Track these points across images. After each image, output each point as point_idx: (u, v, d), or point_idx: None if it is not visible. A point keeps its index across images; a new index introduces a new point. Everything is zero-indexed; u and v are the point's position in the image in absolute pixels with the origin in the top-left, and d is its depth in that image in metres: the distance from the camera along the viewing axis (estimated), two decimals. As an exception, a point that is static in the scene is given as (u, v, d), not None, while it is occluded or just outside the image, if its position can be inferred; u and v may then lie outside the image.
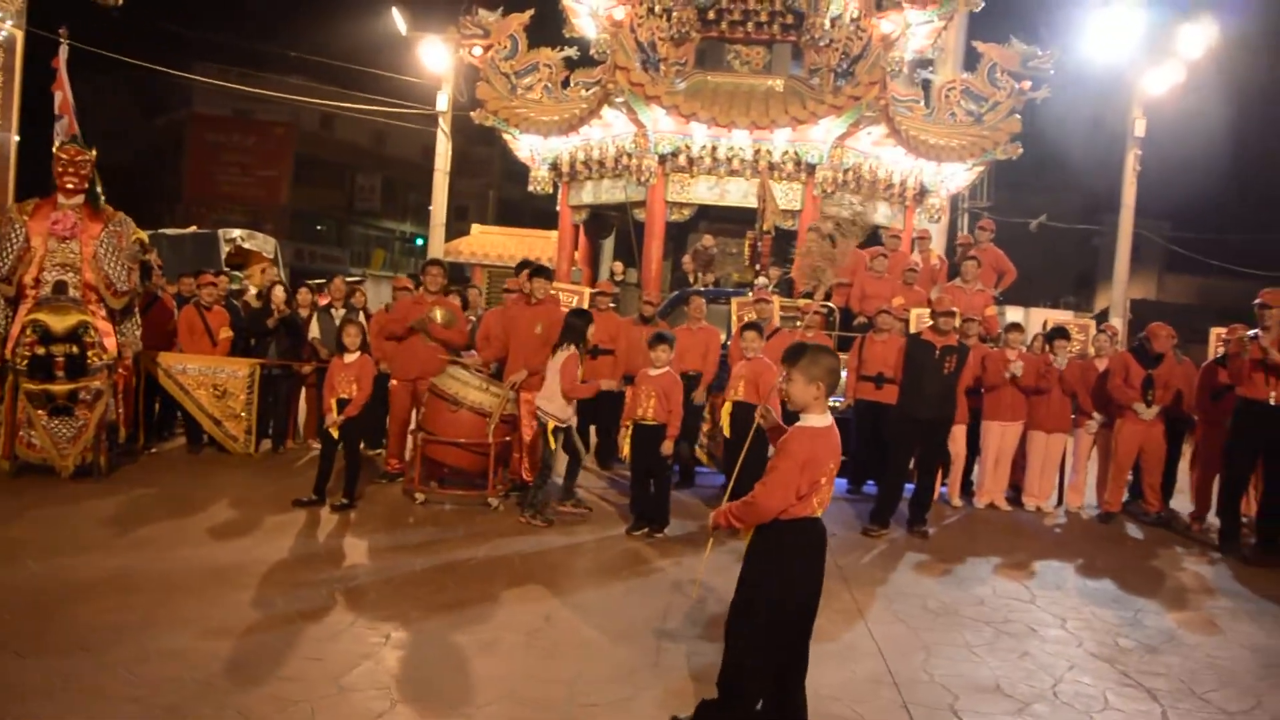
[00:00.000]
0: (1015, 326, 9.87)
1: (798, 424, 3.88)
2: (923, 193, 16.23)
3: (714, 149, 14.65)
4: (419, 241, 44.97)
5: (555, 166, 16.53)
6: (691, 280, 14.01)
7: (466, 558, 6.54)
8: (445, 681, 4.47)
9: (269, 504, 7.59)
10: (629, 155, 14.93)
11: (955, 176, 16.46)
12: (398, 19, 19.51)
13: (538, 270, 8.66)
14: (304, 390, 10.18)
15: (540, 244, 20.42)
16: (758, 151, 14.57)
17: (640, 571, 6.59)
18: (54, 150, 8.32)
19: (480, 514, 7.81)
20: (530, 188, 16.87)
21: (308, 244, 36.62)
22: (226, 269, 15.38)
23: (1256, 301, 8.33)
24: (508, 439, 8.12)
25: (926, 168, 15.79)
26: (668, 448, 7.47)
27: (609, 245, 20.03)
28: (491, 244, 20.52)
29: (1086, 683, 5.08)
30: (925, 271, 12.13)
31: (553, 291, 9.06)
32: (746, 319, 9.96)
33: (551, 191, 17.20)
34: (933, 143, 15.21)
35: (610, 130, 15.14)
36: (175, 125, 38.51)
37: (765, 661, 3.89)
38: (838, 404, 9.94)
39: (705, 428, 9.69)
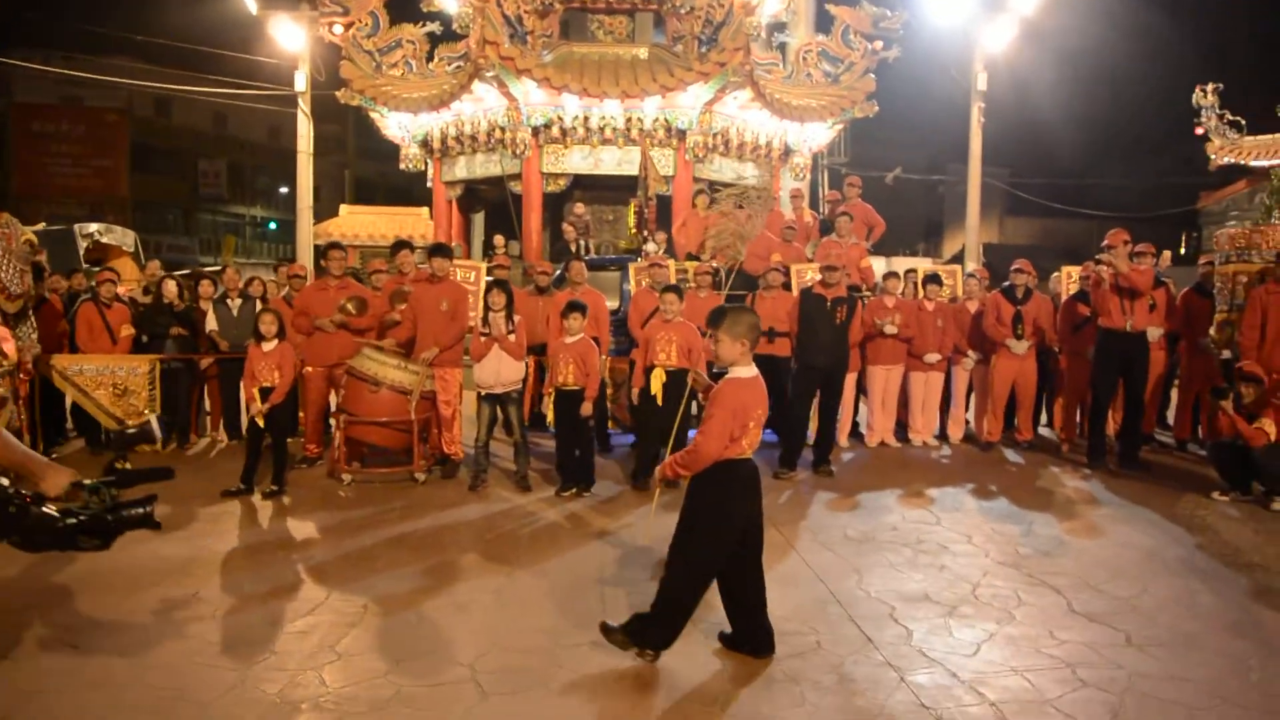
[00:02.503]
0: (893, 275, 10.54)
1: (727, 376, 4.43)
2: (788, 152, 16.90)
3: (586, 119, 14.94)
4: (271, 225, 43.73)
5: (426, 143, 16.51)
6: (573, 249, 14.26)
7: (412, 530, 6.76)
8: (436, 640, 4.74)
9: (196, 498, 7.59)
10: (502, 129, 15.07)
11: (817, 136, 17.18)
12: (248, -1, 18.99)
13: (437, 249, 8.82)
14: (204, 384, 10.06)
15: (411, 221, 20.31)
16: (629, 120, 14.92)
17: (580, 527, 6.94)
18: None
19: (409, 489, 8.00)
20: (401, 165, 16.81)
21: (154, 234, 35.15)
22: (87, 264, 14.86)
23: (1104, 244, 9.19)
24: (427, 415, 8.30)
25: (790, 128, 16.45)
26: (587, 409, 7.82)
27: (480, 219, 20.08)
28: (361, 224, 20.29)
29: (999, 585, 5.71)
30: (800, 228, 12.75)
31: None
32: (643, 284, 10.37)
33: (423, 169, 17.19)
34: (795, 104, 15.83)
35: (482, 104, 15.24)
36: (-5, 116, 36.27)
37: (698, 583, 4.47)
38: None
39: (609, 391, 10.04)
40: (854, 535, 6.78)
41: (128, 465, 3.72)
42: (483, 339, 7.88)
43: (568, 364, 7.76)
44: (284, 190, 42.88)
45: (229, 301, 9.84)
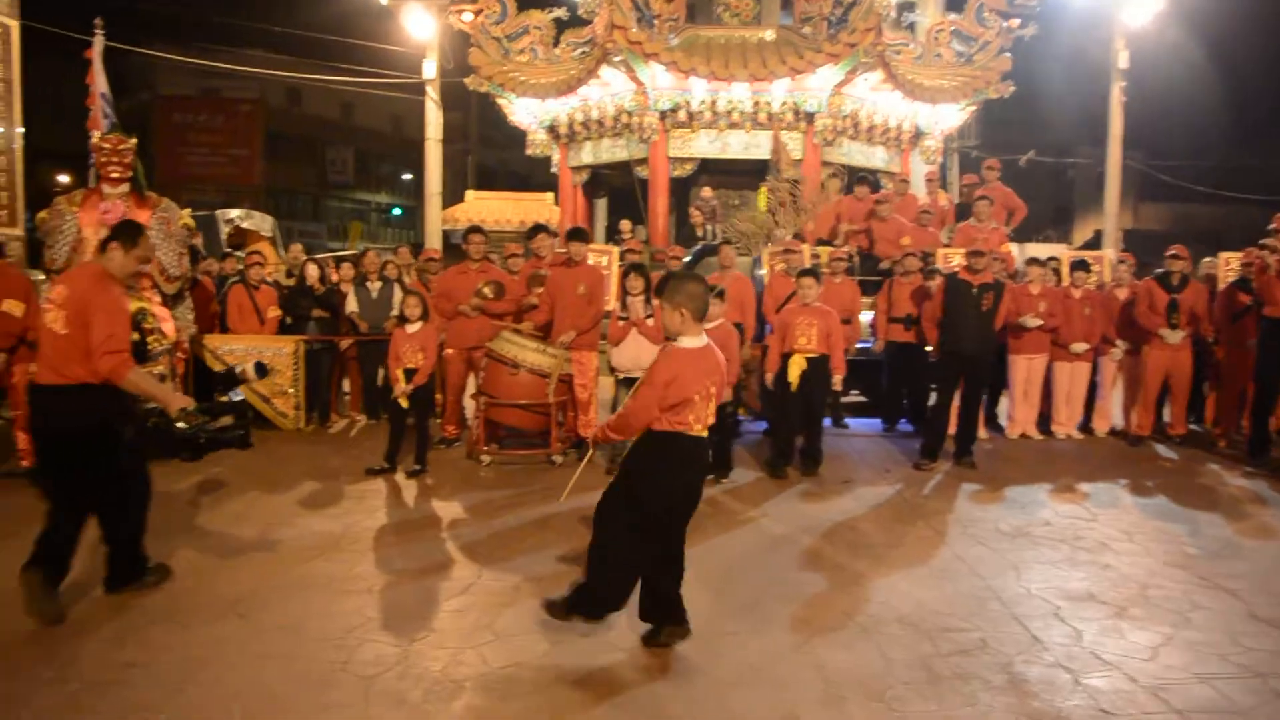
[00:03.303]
0: (1035, 261, 10.16)
1: (670, 344, 4.27)
2: (918, 135, 16.47)
3: (713, 103, 14.79)
4: (396, 211, 44.81)
5: (553, 129, 16.58)
6: (700, 233, 14.18)
7: (554, 512, 6.77)
8: (606, 620, 4.69)
9: (343, 475, 7.78)
10: (629, 113, 15.03)
11: (948, 118, 16.69)
12: (378, -13, 19.39)
13: (575, 232, 8.84)
14: (344, 364, 10.30)
15: (535, 207, 20.47)
16: (757, 103, 14.72)
17: (721, 514, 6.86)
18: (95, 141, 8.35)
19: (546, 471, 8.04)
20: (528, 151, 16.93)
21: (285, 220, 36.24)
22: (228, 249, 15.39)
23: (1271, 226, 8.66)
24: (564, 398, 8.32)
25: (921, 110, 16.01)
26: (726, 394, 7.71)
27: (603, 205, 20.15)
28: (487, 209, 20.55)
29: (1170, 586, 5.42)
30: (936, 212, 12.39)
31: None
32: (776, 268, 10.22)
33: (548, 155, 17.29)
34: (927, 85, 15.41)
35: (608, 89, 15.21)
36: (141, 108, 37.84)
37: (627, 553, 4.32)
38: (869, 347, 10.24)
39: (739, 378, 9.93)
40: (1006, 530, 6.53)
41: (227, 399, 5.05)
42: (620, 323, 7.85)
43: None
44: (407, 177, 43.88)
45: (368, 284, 10.04)
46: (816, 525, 6.59)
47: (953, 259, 10.64)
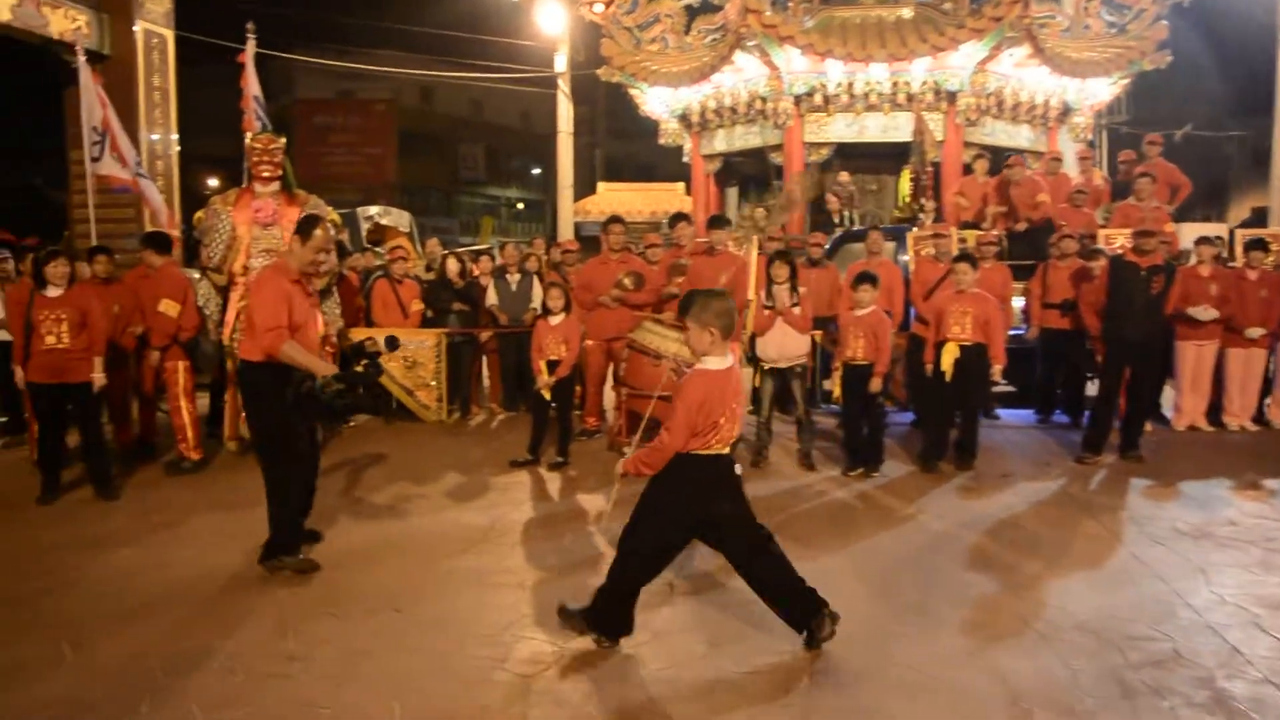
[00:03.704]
0: (1205, 240, 9.50)
1: (696, 367, 4.08)
2: (1066, 111, 15.75)
3: (850, 85, 14.45)
4: (520, 205, 45.48)
5: (685, 117, 16.45)
6: (836, 219, 13.83)
7: (701, 507, 6.62)
8: (750, 622, 4.53)
9: (486, 467, 7.79)
10: (763, 99, 14.80)
11: (1098, 92, 15.90)
12: (511, -16, 19.60)
13: (715, 220, 8.66)
14: (484, 357, 10.36)
15: (666, 197, 20.39)
16: (895, 84, 14.33)
17: (875, 509, 6.59)
18: (247, 141, 8.57)
19: (689, 464, 7.89)
20: (660, 141, 16.86)
21: (418, 216, 37.10)
22: (367, 245, 15.74)
23: None
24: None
25: (1070, 85, 15.31)
26: (876, 385, 7.42)
27: (733, 193, 19.89)
28: (618, 201, 20.57)
29: (1387, 595, 4.94)
30: (1090, 191, 11.75)
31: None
32: (924, 253, 9.83)
33: (680, 144, 17.17)
34: (1076, 58, 14.71)
35: (742, 75, 15.00)
36: (281, 111, 39.27)
37: (641, 571, 4.25)
38: (1021, 334, 9.75)
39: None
40: (1185, 529, 6.08)
41: (359, 369, 5.37)
42: (766, 312, 7.64)
43: (857, 338, 7.39)
44: (536, 171, 44.41)
45: (508, 277, 10.07)
46: (978, 522, 6.26)
47: (1114, 240, 10.05)
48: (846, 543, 5.85)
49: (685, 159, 17.45)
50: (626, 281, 8.59)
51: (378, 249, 14.09)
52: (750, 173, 18.14)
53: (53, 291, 6.85)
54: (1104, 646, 4.28)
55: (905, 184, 12.44)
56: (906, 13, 15.03)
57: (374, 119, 38.06)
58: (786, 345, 7.62)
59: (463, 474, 7.58)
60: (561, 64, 19.79)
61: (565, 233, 19.68)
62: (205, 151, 25.78)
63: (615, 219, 8.96)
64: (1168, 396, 9.82)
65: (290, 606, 4.80)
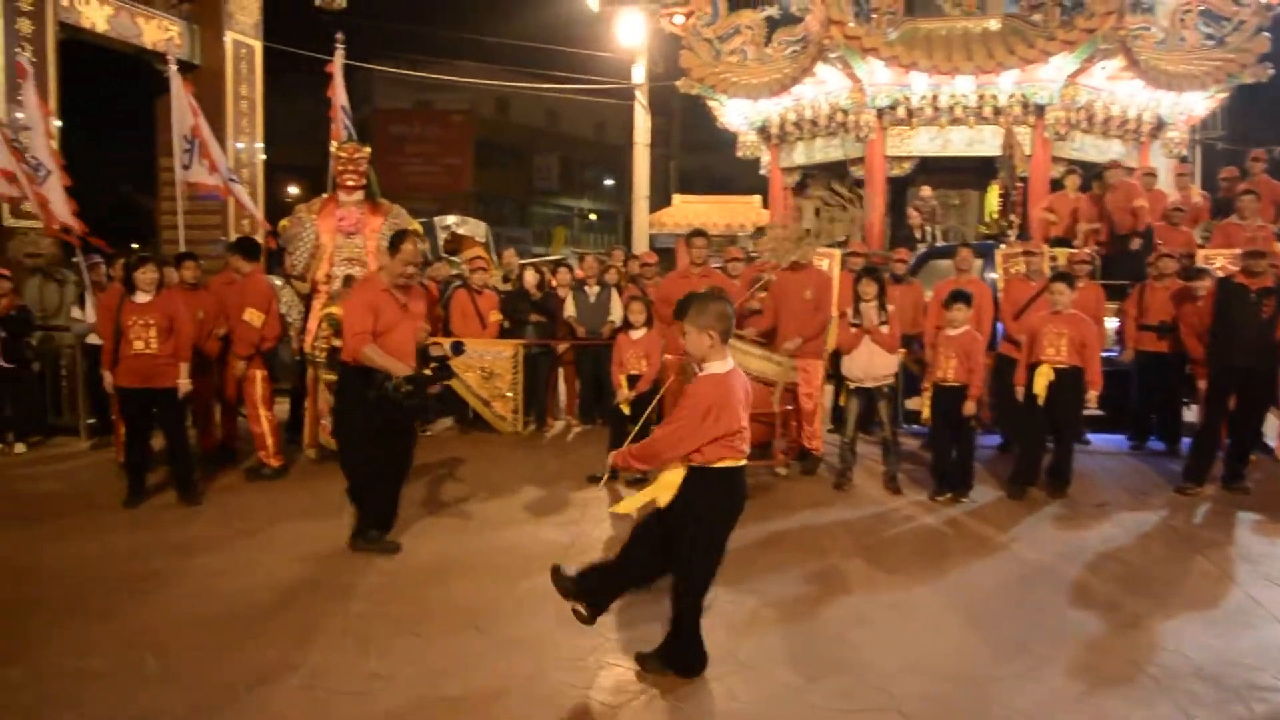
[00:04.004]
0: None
1: (700, 373, 3.96)
2: (1159, 126, 15.22)
3: (934, 98, 14.10)
4: (593, 217, 45.64)
5: (764, 130, 16.24)
6: (918, 235, 13.53)
7: (784, 529, 6.45)
8: (844, 655, 4.35)
9: (563, 481, 7.70)
10: (844, 111, 14.51)
11: (1193, 107, 15.35)
12: (590, -5, 19.61)
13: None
14: (560, 369, 10.29)
15: (743, 210, 20.18)
16: (982, 97, 13.95)
17: (966, 537, 6.35)
18: (333, 150, 8.62)
19: (770, 484, 7.72)
20: (739, 154, 16.64)
21: (493, 226, 37.42)
22: (444, 254, 15.83)
23: None
24: (789, 407, 7.97)
25: (1164, 99, 14.78)
26: (970, 408, 7.16)
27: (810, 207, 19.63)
28: (694, 213, 20.40)
29: None
30: (1189, 209, 11.32)
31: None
32: (1013, 271, 9.54)
33: (758, 156, 16.98)
34: (1172, 71, 14.19)
35: (823, 87, 14.74)
36: (360, 121, 39.75)
37: (706, 581, 4.13)
38: (1114, 356, 9.39)
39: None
40: (1304, 568, 5.74)
41: (427, 372, 5.86)
42: (853, 330, 7.44)
43: (949, 358, 7.15)
44: (609, 182, 44.52)
45: (586, 288, 9.99)
46: (1076, 554, 5.99)
47: (1213, 260, 9.64)
48: (938, 572, 5.62)
49: (763, 171, 17.24)
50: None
51: (454, 258, 14.16)
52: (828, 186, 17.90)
53: (142, 297, 6.91)
54: (1226, 696, 4.02)
55: (993, 199, 12.11)
56: (993, 24, 14.67)
57: (451, 129, 38.48)
58: (874, 364, 7.41)
59: (540, 488, 7.50)
60: (640, 75, 19.74)
61: (640, 245, 19.59)
62: (284, 160, 26.29)
63: (698, 232, 8.82)
64: (1269, 425, 9.37)
65: (371, 622, 4.73)
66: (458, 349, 6.28)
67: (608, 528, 6.47)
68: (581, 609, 4.21)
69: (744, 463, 3.99)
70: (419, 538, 6.15)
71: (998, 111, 13.84)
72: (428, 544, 6.04)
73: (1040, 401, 7.35)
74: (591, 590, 4.22)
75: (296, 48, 16.29)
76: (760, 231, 9.04)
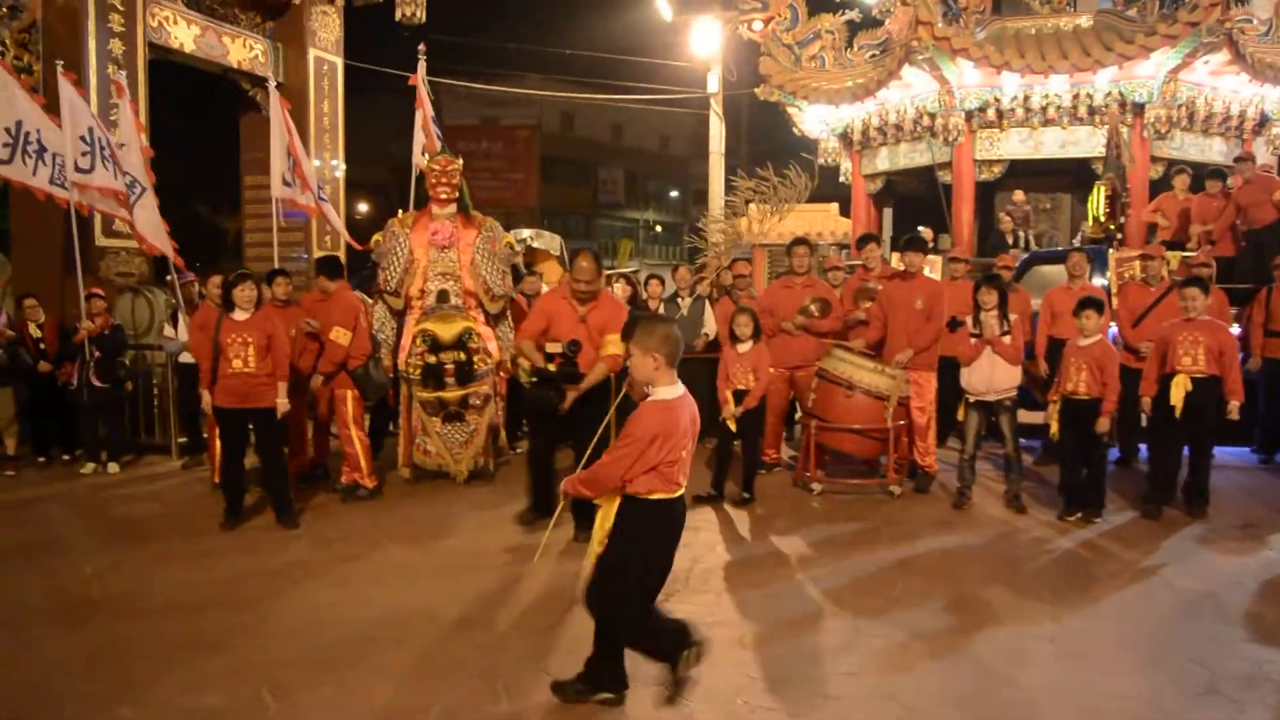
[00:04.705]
0: None
1: (647, 399, 3.77)
2: (1263, 122, 14.56)
3: (1026, 99, 13.63)
4: (660, 228, 45.48)
5: (845, 135, 15.89)
6: (1010, 240, 13.06)
7: (912, 552, 6.09)
8: (1015, 700, 3.99)
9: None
10: (931, 115, 14.10)
11: (1299, 101, 14.67)
12: (663, 6, 19.35)
13: (912, 242, 8.11)
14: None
15: (820, 218, 19.71)
16: (1076, 96, 13.45)
17: (1107, 561, 5.93)
18: (425, 162, 8.45)
19: (883, 502, 7.37)
20: (819, 160, 16.28)
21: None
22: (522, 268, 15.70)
23: None
24: (902, 422, 7.59)
25: (1269, 94, 14.13)
26: (1104, 424, 6.72)
27: (888, 214, 19.18)
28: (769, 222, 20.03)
29: None
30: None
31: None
32: (1127, 275, 9.07)
33: (838, 163, 16.62)
34: (1278, 65, 13.57)
35: (909, 91, 14.35)
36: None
37: (636, 622, 3.90)
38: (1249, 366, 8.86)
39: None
40: None
41: (551, 368, 6.25)
42: (973, 340, 7.05)
43: (1080, 369, 6.73)
44: (674, 194, 44.35)
45: (679, 300, 9.71)
46: (1237, 581, 5.54)
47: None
48: (1089, 600, 5.22)
49: (843, 179, 16.88)
50: (813, 307, 8.12)
51: (532, 272, 14.01)
52: (907, 193, 17.47)
53: (240, 315, 6.77)
54: None
55: (1098, 201, 11.60)
56: (1085, 21, 14.14)
57: (517, 144, 38.61)
58: (995, 377, 7.01)
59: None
60: (714, 84, 19.46)
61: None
62: (351, 177, 26.44)
63: (800, 240, 8.50)
64: None
65: (497, 657, 4.46)
66: (574, 347, 6.24)
67: (723, 552, 6.16)
68: (609, 695, 4.00)
69: (678, 495, 3.81)
70: (529, 563, 5.89)
71: (1093, 111, 13.35)
72: (541, 566, 5.78)
73: (1177, 413, 6.89)
74: (602, 674, 4.00)
75: (364, 63, 16.27)
76: (865, 240, 8.68)
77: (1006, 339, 6.97)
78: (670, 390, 3.74)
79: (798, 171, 11.24)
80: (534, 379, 6.24)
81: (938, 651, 4.45)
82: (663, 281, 10.03)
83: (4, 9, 10.14)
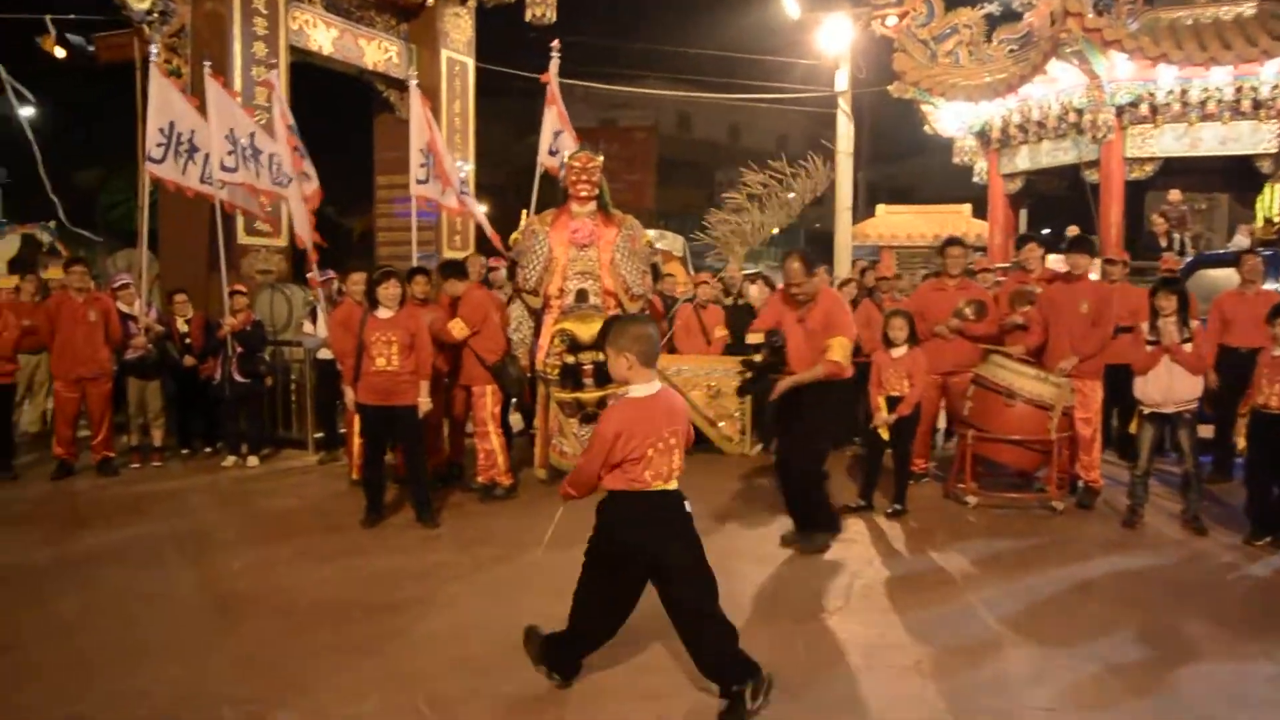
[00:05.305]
0: None
1: (622, 395, 3.85)
2: None
3: (1184, 92, 12.84)
4: (778, 230, 44.89)
5: (983, 134, 15.28)
6: (1164, 243, 12.35)
7: (1086, 574, 5.67)
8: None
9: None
10: (1078, 111, 13.42)
11: None
12: (789, 3, 18.97)
13: (1078, 243, 7.63)
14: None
15: (952, 219, 19.14)
16: (1239, 89, 12.61)
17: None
18: (565, 159, 8.33)
19: (1044, 519, 6.93)
20: (955, 160, 15.73)
21: (674, 243, 37.29)
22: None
23: None
24: (1065, 434, 7.13)
25: None
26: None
27: (1023, 216, 18.45)
28: (899, 224, 19.50)
29: None
30: None
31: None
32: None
33: (973, 163, 16.01)
34: None
35: (1055, 86, 13.68)
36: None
37: (596, 613, 3.95)
38: None
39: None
40: None
41: (757, 359, 6.43)
42: (1150, 348, 6.56)
43: (1273, 382, 6.19)
44: (790, 196, 43.69)
45: (816, 303, 9.37)
46: None
47: None
48: (1297, 635, 4.74)
49: (977, 179, 16.25)
50: (968, 311, 7.70)
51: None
52: (1044, 193, 16.76)
53: (384, 313, 6.72)
54: None
55: (1272, 200, 10.83)
56: (1248, 9, 13.27)
57: (635, 146, 38.57)
58: (1175, 387, 6.50)
59: (772, 521, 6.84)
60: (843, 82, 19.00)
61: (842, 258, 18.82)
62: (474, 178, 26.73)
63: (954, 240, 8.09)
64: None
65: (659, 675, 4.23)
66: (772, 336, 6.26)
67: (881, 567, 5.83)
68: (555, 677, 4.06)
69: (665, 487, 3.80)
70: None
71: (1258, 105, 12.51)
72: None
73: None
74: (554, 655, 4.08)
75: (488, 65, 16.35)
76: (1024, 240, 8.23)
77: (1188, 347, 6.46)
78: (644, 388, 3.77)
79: (816, 163, 10.80)
80: (741, 370, 6.68)
81: (1141, 688, 4.06)
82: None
83: (155, 14, 10.41)
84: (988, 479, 7.54)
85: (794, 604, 5.13)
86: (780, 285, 6.65)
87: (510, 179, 37.21)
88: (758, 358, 6.28)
